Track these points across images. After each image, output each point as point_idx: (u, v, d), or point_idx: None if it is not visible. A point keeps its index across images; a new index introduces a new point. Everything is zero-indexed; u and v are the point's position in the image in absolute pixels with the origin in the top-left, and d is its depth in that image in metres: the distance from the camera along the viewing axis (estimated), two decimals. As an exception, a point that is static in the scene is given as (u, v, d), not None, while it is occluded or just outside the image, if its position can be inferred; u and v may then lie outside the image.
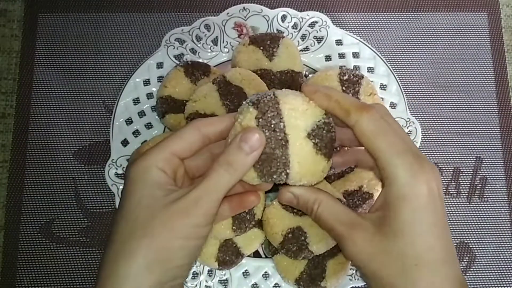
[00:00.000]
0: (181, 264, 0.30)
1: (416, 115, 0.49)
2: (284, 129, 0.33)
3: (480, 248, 0.48)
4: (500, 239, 0.49)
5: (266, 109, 0.33)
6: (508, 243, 0.49)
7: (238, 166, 0.31)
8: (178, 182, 0.33)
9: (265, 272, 0.45)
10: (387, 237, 0.30)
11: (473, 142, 0.50)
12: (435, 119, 0.51)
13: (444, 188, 0.50)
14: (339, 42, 0.49)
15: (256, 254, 0.46)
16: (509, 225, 0.49)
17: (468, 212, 0.49)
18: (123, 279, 0.28)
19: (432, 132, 0.51)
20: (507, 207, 0.49)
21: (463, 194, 0.50)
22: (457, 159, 0.50)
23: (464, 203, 0.49)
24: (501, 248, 0.48)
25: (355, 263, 0.32)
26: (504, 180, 0.50)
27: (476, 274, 0.48)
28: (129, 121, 0.48)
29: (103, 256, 0.31)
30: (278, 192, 0.38)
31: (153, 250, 0.29)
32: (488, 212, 0.49)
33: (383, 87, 0.48)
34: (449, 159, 0.50)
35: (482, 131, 0.51)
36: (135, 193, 0.31)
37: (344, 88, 0.45)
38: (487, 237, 0.49)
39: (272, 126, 0.33)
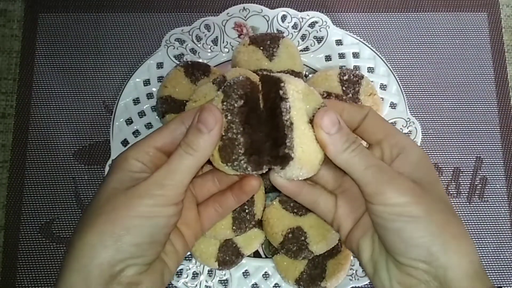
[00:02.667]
0: (137, 242, 0.30)
1: (416, 115, 0.49)
2: (289, 110, 0.31)
3: (480, 248, 0.48)
4: (500, 239, 0.49)
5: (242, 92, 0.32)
6: (508, 243, 0.49)
7: (197, 146, 0.31)
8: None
9: (265, 272, 0.45)
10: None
11: (473, 142, 0.51)
12: (435, 119, 0.51)
13: (444, 188, 0.50)
14: (339, 42, 0.49)
15: (256, 254, 0.46)
16: (509, 225, 0.49)
17: (468, 212, 0.49)
18: (80, 251, 0.29)
19: (432, 132, 0.51)
20: (507, 207, 0.49)
21: (463, 194, 0.50)
22: (457, 159, 0.50)
23: (464, 203, 0.49)
24: (501, 248, 0.48)
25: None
26: (504, 180, 0.50)
27: (476, 274, 0.48)
28: (129, 121, 0.48)
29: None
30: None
31: (108, 226, 0.29)
32: (488, 212, 0.49)
33: (383, 87, 0.48)
34: (449, 159, 0.50)
35: (482, 131, 0.51)
36: (107, 180, 0.32)
37: (344, 88, 0.45)
38: (487, 237, 0.49)
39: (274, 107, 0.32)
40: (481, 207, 0.49)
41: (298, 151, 0.31)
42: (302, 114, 0.32)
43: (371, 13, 0.53)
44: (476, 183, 0.50)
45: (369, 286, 0.45)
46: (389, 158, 0.33)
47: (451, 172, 0.50)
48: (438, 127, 0.51)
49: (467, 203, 0.49)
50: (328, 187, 0.37)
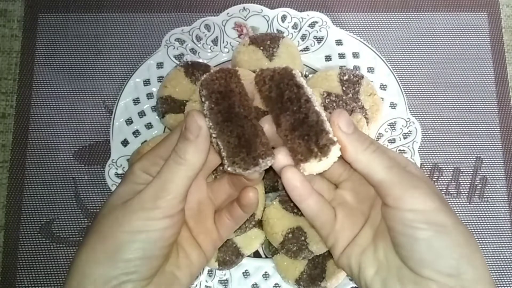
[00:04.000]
0: (128, 258, 0.29)
1: (416, 115, 0.49)
2: (312, 97, 0.31)
3: (480, 248, 0.48)
4: (500, 239, 0.49)
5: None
6: (508, 243, 0.49)
7: (186, 155, 0.30)
8: None
9: (265, 272, 0.45)
10: None
11: (473, 142, 0.50)
12: (435, 119, 0.51)
13: (444, 188, 0.50)
14: (339, 42, 0.49)
15: (256, 254, 0.46)
16: (509, 225, 0.49)
17: (468, 212, 0.49)
18: (75, 268, 0.29)
19: (432, 132, 0.51)
20: (507, 207, 0.49)
21: (463, 194, 0.50)
22: (457, 159, 0.50)
23: (464, 203, 0.49)
24: (501, 248, 0.48)
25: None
26: (504, 180, 0.50)
27: (476, 274, 0.48)
28: (129, 121, 0.48)
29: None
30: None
31: (100, 243, 0.29)
32: (488, 212, 0.49)
33: (383, 87, 0.48)
34: (449, 159, 0.50)
35: (482, 131, 0.51)
36: (111, 195, 0.32)
37: (344, 88, 0.45)
38: (487, 237, 0.49)
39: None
40: (481, 207, 0.49)
41: (331, 132, 0.30)
42: (318, 101, 0.31)
43: (371, 13, 0.53)
44: (476, 183, 0.50)
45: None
46: None
47: (451, 172, 0.50)
48: (438, 127, 0.51)
49: (467, 203, 0.49)
50: (327, 197, 0.35)
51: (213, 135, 0.30)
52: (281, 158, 0.31)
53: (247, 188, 0.33)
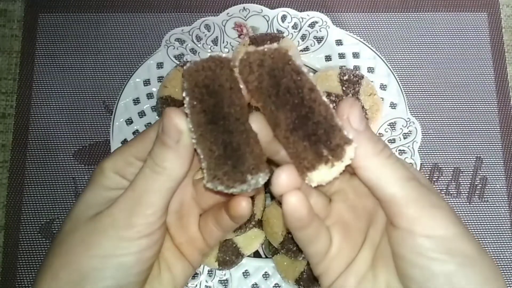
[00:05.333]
0: (100, 287, 0.24)
1: (416, 115, 0.49)
2: (316, 86, 0.24)
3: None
4: (500, 239, 0.49)
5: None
6: (508, 243, 0.49)
7: (165, 163, 0.24)
8: None
9: (265, 272, 0.45)
10: None
11: (473, 142, 0.50)
12: (435, 119, 0.51)
13: (444, 188, 0.50)
14: (339, 42, 0.49)
15: (256, 254, 0.46)
16: (509, 225, 0.49)
17: (468, 212, 0.49)
18: None
19: (432, 132, 0.51)
20: (507, 207, 0.49)
21: (463, 194, 0.50)
22: (457, 159, 0.50)
23: (464, 203, 0.49)
24: (501, 248, 0.48)
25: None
26: (504, 180, 0.50)
27: (476, 274, 0.48)
28: (129, 121, 0.48)
29: None
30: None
31: (65, 268, 0.24)
32: (488, 212, 0.49)
33: (383, 87, 0.48)
34: (449, 159, 0.50)
35: (482, 131, 0.51)
36: (76, 203, 0.26)
37: (344, 88, 0.45)
38: (487, 237, 0.49)
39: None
40: (481, 207, 0.49)
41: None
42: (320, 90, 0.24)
43: (371, 13, 0.53)
44: (476, 183, 0.50)
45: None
46: None
47: (451, 172, 0.50)
48: (438, 127, 0.51)
49: (467, 203, 0.49)
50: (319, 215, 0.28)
51: (193, 140, 0.24)
52: (285, 179, 0.24)
53: (238, 197, 0.27)
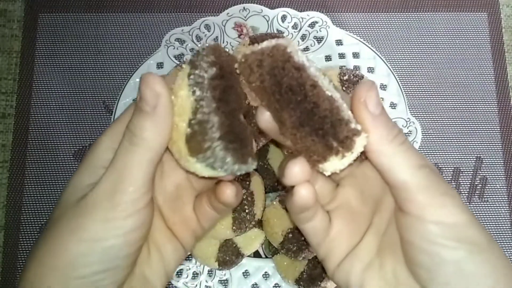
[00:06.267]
0: (86, 273, 0.23)
1: (416, 115, 0.49)
2: (319, 78, 0.24)
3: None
4: (500, 239, 0.49)
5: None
6: (508, 243, 0.49)
7: (143, 133, 0.23)
8: None
9: (265, 272, 0.45)
10: None
11: (473, 142, 0.50)
12: (435, 119, 0.51)
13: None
14: (339, 42, 0.49)
15: (256, 254, 0.46)
16: (509, 225, 0.49)
17: (468, 212, 0.49)
18: (22, 286, 0.24)
19: (432, 132, 0.51)
20: (507, 207, 0.49)
21: (463, 194, 0.50)
22: (457, 159, 0.50)
23: (464, 203, 0.49)
24: (501, 248, 0.48)
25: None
26: (504, 180, 0.50)
27: (476, 274, 0.48)
28: (129, 121, 0.48)
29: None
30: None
31: (51, 255, 0.23)
32: (488, 212, 0.49)
33: (383, 87, 0.48)
34: (449, 159, 0.50)
35: (482, 131, 0.51)
36: (67, 186, 0.25)
37: (344, 88, 0.45)
38: (487, 237, 0.49)
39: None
40: (481, 207, 0.49)
41: (353, 118, 0.23)
42: (326, 80, 0.24)
43: (371, 13, 0.53)
44: (476, 183, 0.50)
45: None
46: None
47: (451, 172, 0.50)
48: (438, 127, 0.51)
49: (467, 203, 0.49)
50: (321, 201, 0.28)
51: (205, 108, 0.23)
52: (299, 172, 0.24)
53: (223, 183, 0.27)
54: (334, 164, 0.24)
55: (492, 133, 0.51)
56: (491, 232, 0.49)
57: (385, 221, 0.26)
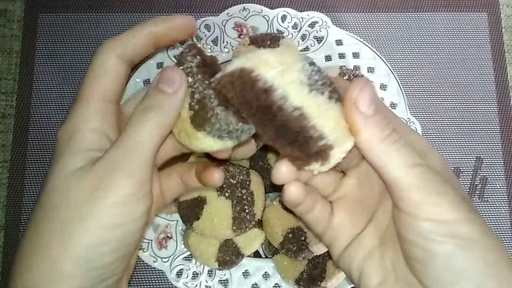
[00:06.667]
0: (107, 262, 0.23)
1: (416, 115, 0.49)
2: (286, 97, 0.24)
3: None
4: (500, 239, 0.48)
5: None
6: (508, 243, 0.49)
7: (158, 110, 0.24)
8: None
9: (265, 272, 0.45)
10: None
11: (473, 142, 0.50)
12: (435, 119, 0.51)
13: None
14: (339, 42, 0.49)
15: (256, 254, 0.46)
16: (509, 225, 0.49)
17: (468, 212, 0.49)
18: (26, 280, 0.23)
19: (432, 132, 0.51)
20: (507, 207, 0.49)
21: (463, 194, 0.50)
22: (457, 159, 0.50)
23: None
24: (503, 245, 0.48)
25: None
26: (504, 180, 0.50)
27: (476, 274, 0.48)
28: (129, 121, 0.48)
29: (15, 256, 0.24)
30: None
31: (69, 248, 0.22)
32: (488, 212, 0.49)
33: (383, 87, 0.48)
34: (449, 159, 0.50)
35: (482, 131, 0.51)
36: (52, 170, 0.24)
37: (344, 88, 0.45)
38: (487, 237, 0.49)
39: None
40: (481, 207, 0.49)
41: (329, 132, 0.24)
42: (299, 89, 0.24)
43: (371, 13, 0.53)
44: (476, 183, 0.50)
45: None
46: None
47: (451, 172, 0.50)
48: (438, 127, 0.51)
49: (467, 203, 0.49)
50: (324, 192, 0.29)
51: (199, 87, 0.25)
52: (285, 171, 0.26)
53: (212, 169, 0.28)
54: (316, 168, 0.25)
55: (492, 133, 0.51)
56: (491, 232, 0.49)
57: (388, 213, 0.27)
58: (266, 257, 0.46)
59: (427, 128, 0.50)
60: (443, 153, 0.50)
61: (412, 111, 0.49)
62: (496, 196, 0.49)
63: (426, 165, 0.24)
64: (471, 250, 0.23)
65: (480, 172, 0.50)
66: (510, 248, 0.48)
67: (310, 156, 0.25)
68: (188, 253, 0.45)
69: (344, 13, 0.53)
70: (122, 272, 0.25)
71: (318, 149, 0.24)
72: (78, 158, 0.23)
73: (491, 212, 0.49)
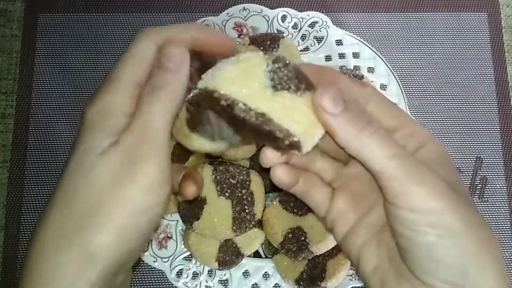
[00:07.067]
0: (133, 247, 0.24)
1: (416, 115, 0.49)
2: (247, 105, 0.25)
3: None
4: (500, 239, 0.49)
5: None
6: (508, 243, 0.49)
7: (164, 87, 0.24)
8: None
9: (265, 272, 0.45)
10: None
11: (473, 142, 0.50)
12: (435, 119, 0.51)
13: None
14: (339, 42, 0.49)
15: (256, 254, 0.46)
16: (509, 225, 0.49)
17: (468, 212, 0.49)
18: (55, 277, 0.23)
19: (432, 132, 0.50)
20: (507, 207, 0.49)
21: (463, 194, 0.50)
22: (457, 159, 0.50)
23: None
24: (501, 248, 0.48)
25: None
26: (504, 180, 0.50)
27: (476, 274, 0.48)
28: (129, 121, 0.48)
29: (30, 242, 0.24)
30: None
31: (99, 233, 0.23)
32: (488, 212, 0.49)
33: (383, 87, 0.48)
34: (449, 159, 0.50)
35: (482, 131, 0.51)
36: (80, 150, 0.24)
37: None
38: (487, 237, 0.49)
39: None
40: (481, 207, 0.49)
41: (296, 128, 0.25)
42: (262, 95, 0.25)
43: (371, 13, 0.53)
44: (476, 183, 0.50)
45: (369, 286, 0.45)
46: None
47: (451, 172, 0.50)
48: (438, 127, 0.51)
49: (467, 203, 0.49)
50: (325, 178, 0.30)
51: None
52: (271, 155, 0.27)
53: (188, 182, 0.29)
54: (296, 153, 0.26)
55: (492, 133, 0.51)
56: (491, 232, 0.49)
57: None
58: (266, 257, 0.46)
59: (427, 128, 0.50)
60: (443, 153, 0.50)
61: (412, 111, 0.49)
62: (496, 196, 0.49)
63: (405, 155, 0.24)
64: (452, 240, 0.23)
65: (480, 172, 0.50)
66: (510, 248, 0.48)
67: (285, 148, 0.26)
68: (188, 253, 0.45)
69: (344, 13, 0.53)
70: (134, 262, 0.25)
71: (289, 144, 0.25)
72: (109, 142, 0.24)
73: (491, 212, 0.49)
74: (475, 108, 0.51)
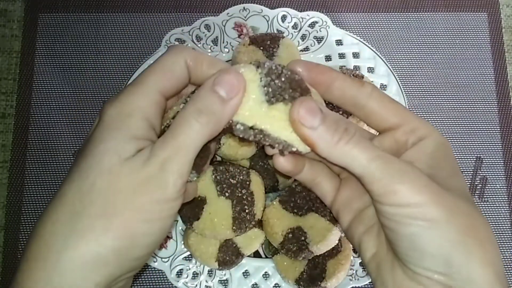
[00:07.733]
0: (142, 254, 0.24)
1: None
2: (243, 124, 0.27)
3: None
4: (500, 239, 0.49)
5: None
6: (508, 243, 0.49)
7: (212, 115, 0.24)
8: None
9: (265, 272, 0.45)
10: None
11: (473, 142, 0.50)
12: (435, 119, 0.51)
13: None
14: (339, 42, 0.49)
15: (256, 254, 0.46)
16: (509, 225, 0.49)
17: (468, 212, 0.49)
18: (61, 271, 0.23)
19: (432, 132, 0.51)
20: (507, 207, 0.49)
21: (463, 194, 0.50)
22: (457, 159, 0.50)
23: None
24: (501, 248, 0.48)
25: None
26: (504, 180, 0.50)
27: (476, 274, 0.48)
28: (129, 121, 0.48)
29: (32, 232, 0.24)
30: None
31: (112, 235, 0.23)
32: (488, 212, 0.49)
33: (383, 87, 0.48)
34: (449, 159, 0.50)
35: (482, 131, 0.51)
36: (100, 149, 0.24)
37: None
38: (487, 237, 0.49)
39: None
40: (481, 207, 0.49)
41: (293, 139, 0.27)
42: (258, 111, 0.26)
43: (371, 13, 0.53)
44: (476, 183, 0.50)
45: (369, 286, 0.45)
46: (405, 149, 0.28)
47: (451, 172, 0.50)
48: (438, 127, 0.51)
49: (467, 203, 0.49)
50: (334, 168, 0.32)
51: None
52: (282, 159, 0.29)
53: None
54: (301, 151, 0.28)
55: (492, 133, 0.51)
56: (491, 232, 0.49)
57: None
58: (266, 257, 0.46)
59: (427, 128, 0.50)
60: (443, 153, 0.50)
61: (412, 111, 0.49)
62: (496, 196, 0.49)
63: (384, 156, 0.25)
64: (433, 230, 0.24)
65: (480, 172, 0.50)
66: (510, 248, 0.48)
67: (288, 153, 0.28)
68: (188, 253, 0.45)
69: (344, 13, 0.53)
70: (139, 269, 0.26)
71: (290, 151, 0.27)
72: (131, 146, 0.24)
73: (491, 212, 0.49)
74: (475, 108, 0.51)
